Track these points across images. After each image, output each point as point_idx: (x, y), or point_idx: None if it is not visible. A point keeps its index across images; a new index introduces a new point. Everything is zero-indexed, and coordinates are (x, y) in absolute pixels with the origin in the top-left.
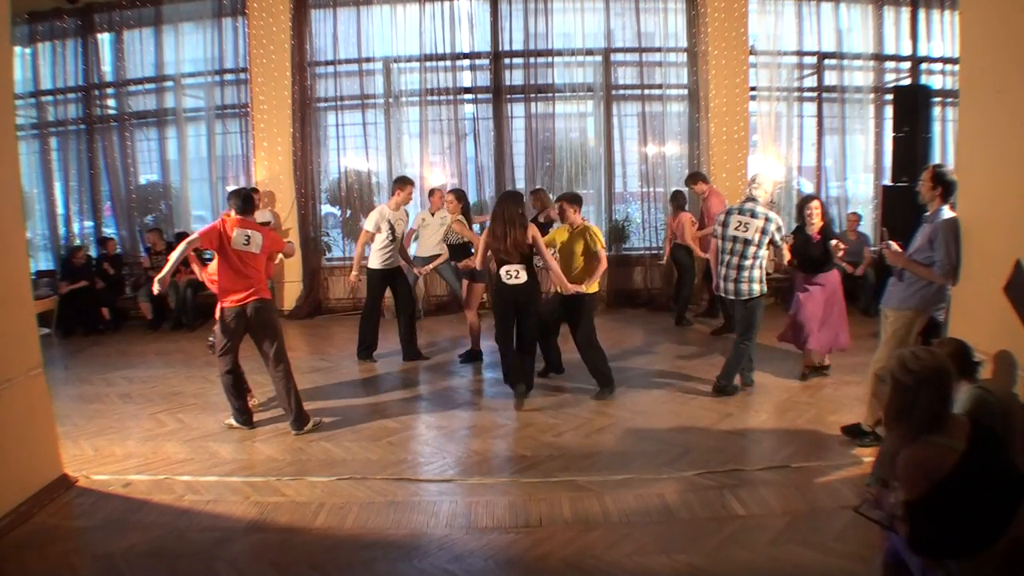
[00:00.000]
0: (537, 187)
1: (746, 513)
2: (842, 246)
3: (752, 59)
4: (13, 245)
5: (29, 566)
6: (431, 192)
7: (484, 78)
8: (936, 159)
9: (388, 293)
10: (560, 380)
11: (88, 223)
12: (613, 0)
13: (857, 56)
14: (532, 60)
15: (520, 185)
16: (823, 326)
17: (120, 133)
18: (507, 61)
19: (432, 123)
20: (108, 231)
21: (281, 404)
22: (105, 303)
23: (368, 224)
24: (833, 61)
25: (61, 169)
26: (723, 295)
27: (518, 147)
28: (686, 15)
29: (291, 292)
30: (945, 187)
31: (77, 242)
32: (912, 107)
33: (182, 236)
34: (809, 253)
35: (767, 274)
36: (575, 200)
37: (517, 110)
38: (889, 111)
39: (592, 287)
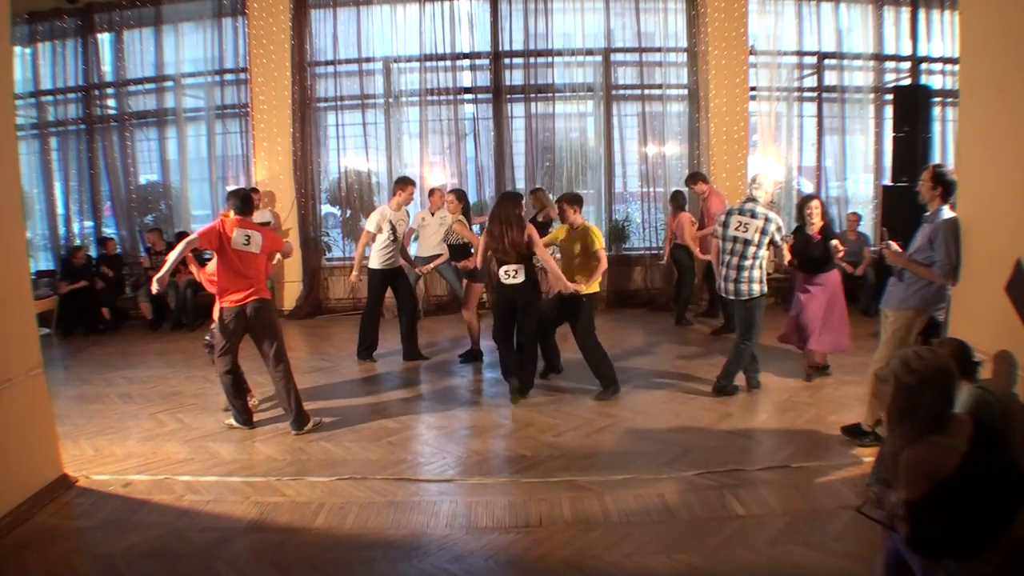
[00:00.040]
0: (536, 187)
1: (746, 513)
2: (842, 247)
3: (752, 59)
4: (13, 245)
5: (29, 566)
6: (431, 192)
7: (484, 78)
8: (936, 159)
9: (389, 293)
10: (560, 380)
11: (88, 223)
12: (613, 0)
13: (857, 56)
14: (532, 60)
15: (520, 185)
16: (825, 327)
17: (120, 133)
18: (507, 61)
19: (432, 123)
20: (108, 231)
21: (281, 404)
22: (105, 303)
23: (369, 225)
24: (833, 61)
25: (61, 169)
26: (723, 295)
27: (518, 147)
28: (686, 15)
29: (291, 292)
30: (945, 187)
31: (77, 242)
32: (912, 107)
33: (182, 236)
34: (810, 253)
35: (767, 274)
36: (575, 200)
37: (517, 110)
38: (889, 111)
39: (592, 287)
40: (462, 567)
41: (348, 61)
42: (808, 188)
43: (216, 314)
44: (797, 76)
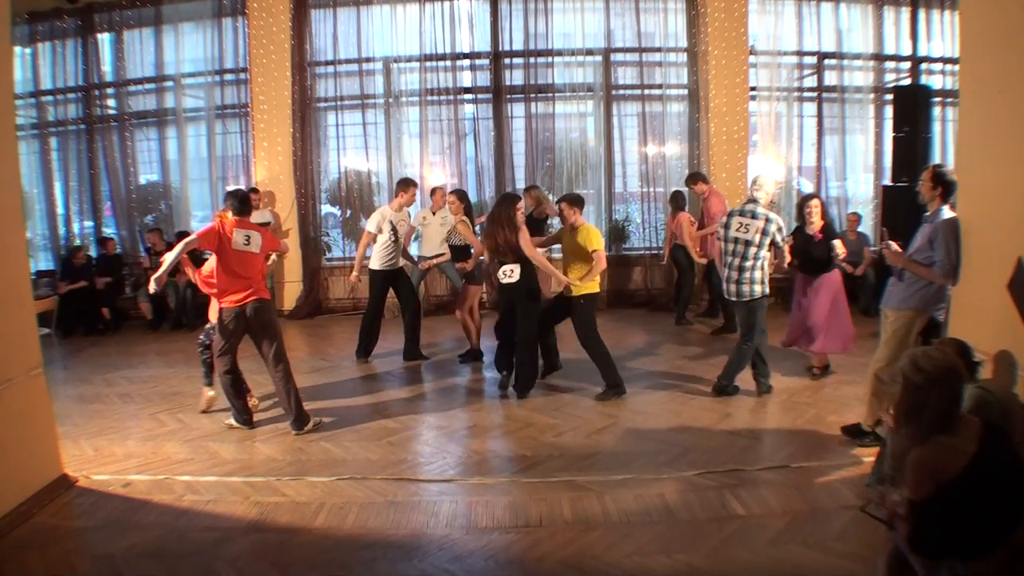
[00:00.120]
0: (531, 184)
1: (746, 513)
2: (844, 249)
3: (752, 59)
4: (13, 245)
5: (29, 566)
6: (433, 191)
7: (484, 78)
8: (936, 159)
9: (391, 294)
10: (560, 380)
11: (88, 223)
12: (613, 0)
13: (857, 56)
14: (532, 60)
15: (520, 185)
16: (831, 327)
17: (120, 133)
18: (507, 61)
19: (432, 123)
20: (108, 231)
21: (281, 404)
22: (105, 303)
23: (370, 225)
24: (833, 61)
25: (61, 169)
26: (725, 296)
27: (518, 147)
28: (686, 15)
29: (291, 292)
30: (945, 187)
31: (77, 242)
32: (912, 107)
33: (182, 236)
34: (811, 253)
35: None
36: (576, 202)
37: (517, 110)
38: (889, 111)
39: (591, 287)
40: (462, 567)
41: (348, 61)
42: (808, 188)
43: (212, 315)
44: (797, 76)
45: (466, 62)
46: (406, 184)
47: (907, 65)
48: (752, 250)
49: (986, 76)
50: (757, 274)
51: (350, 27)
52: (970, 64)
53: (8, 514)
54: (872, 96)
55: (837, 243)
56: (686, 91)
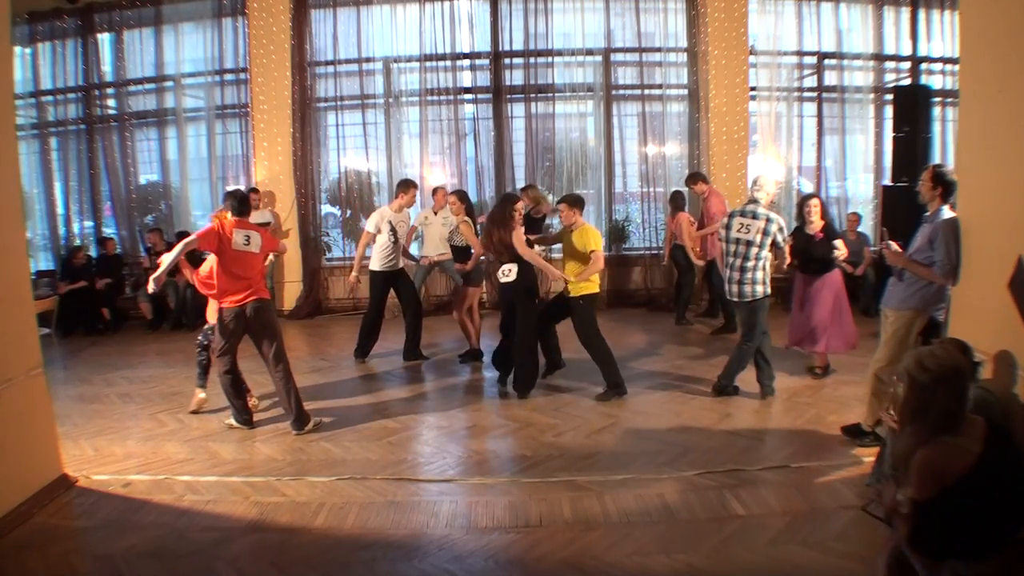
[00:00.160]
0: (528, 183)
1: (746, 513)
2: (846, 249)
3: (752, 59)
4: (13, 245)
5: (29, 566)
6: (435, 191)
7: (484, 78)
8: (936, 159)
9: (392, 294)
10: (560, 380)
11: (88, 223)
12: (613, 0)
13: (857, 56)
14: (532, 60)
15: (520, 185)
16: (835, 327)
17: (120, 133)
18: (507, 61)
19: (432, 123)
20: (108, 231)
21: (282, 404)
22: (105, 303)
23: (369, 225)
24: (833, 61)
25: (61, 169)
26: (728, 297)
27: (518, 147)
28: (686, 15)
29: (291, 292)
30: (945, 187)
31: (77, 242)
32: (912, 107)
33: (182, 236)
34: (812, 253)
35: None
36: (575, 202)
37: (517, 110)
38: (889, 111)
39: (589, 287)
40: (462, 567)
41: (348, 61)
42: (808, 188)
43: (210, 315)
44: (797, 76)
45: (466, 62)
46: (406, 185)
47: (907, 65)
48: (754, 250)
49: (986, 76)
50: (759, 274)
51: (350, 27)
52: (970, 64)
53: (8, 514)
54: (872, 96)
55: (839, 243)
56: (686, 91)
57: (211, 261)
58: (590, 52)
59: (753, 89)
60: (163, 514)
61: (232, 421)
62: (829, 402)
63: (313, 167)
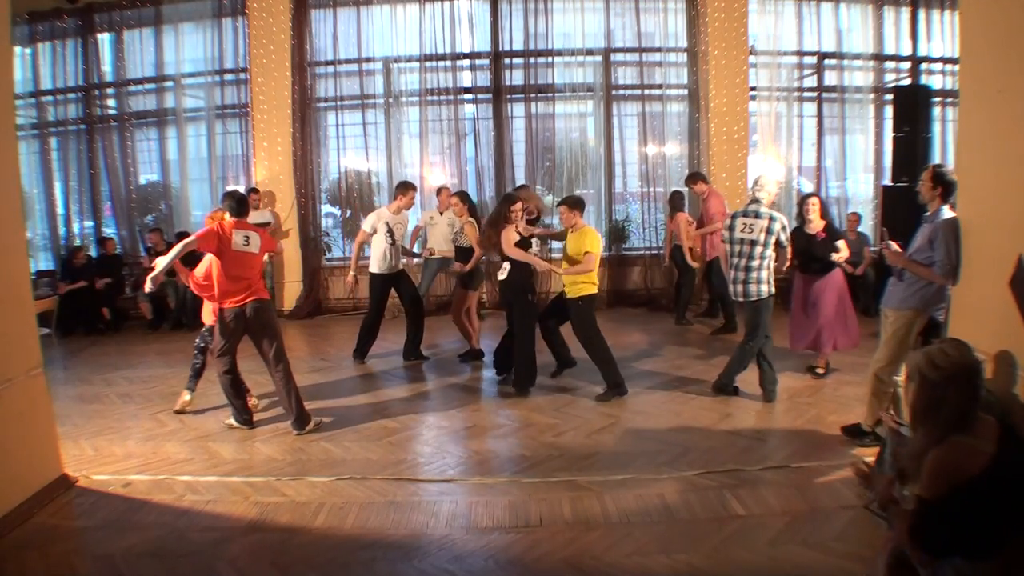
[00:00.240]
0: (521, 184)
1: (746, 513)
2: (848, 250)
3: (752, 59)
4: (13, 245)
5: (29, 566)
6: (439, 190)
7: (484, 78)
8: (936, 159)
9: (392, 295)
10: (560, 380)
11: (88, 223)
12: (613, 0)
13: (857, 56)
14: (532, 60)
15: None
16: (839, 327)
17: (120, 133)
18: (507, 61)
19: (432, 123)
20: (108, 231)
21: (282, 404)
22: (105, 303)
23: (365, 224)
24: (833, 61)
25: (61, 169)
26: (733, 297)
27: (518, 147)
28: (686, 15)
29: (291, 292)
30: (945, 187)
31: (77, 242)
32: (912, 107)
33: (182, 236)
34: (813, 253)
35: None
36: (575, 204)
37: (517, 110)
38: (889, 111)
39: (586, 288)
40: (462, 567)
41: (348, 61)
42: (808, 188)
43: (206, 317)
44: (797, 76)
45: (466, 62)
46: (405, 187)
47: (907, 65)
48: (758, 249)
49: (986, 76)
50: (764, 274)
51: (350, 27)
52: (970, 64)
53: (8, 514)
54: (872, 96)
55: (841, 244)
56: (686, 91)
57: (207, 263)
58: (590, 52)
59: (753, 89)
60: (163, 514)
61: (232, 421)
62: (829, 402)
63: (313, 167)
